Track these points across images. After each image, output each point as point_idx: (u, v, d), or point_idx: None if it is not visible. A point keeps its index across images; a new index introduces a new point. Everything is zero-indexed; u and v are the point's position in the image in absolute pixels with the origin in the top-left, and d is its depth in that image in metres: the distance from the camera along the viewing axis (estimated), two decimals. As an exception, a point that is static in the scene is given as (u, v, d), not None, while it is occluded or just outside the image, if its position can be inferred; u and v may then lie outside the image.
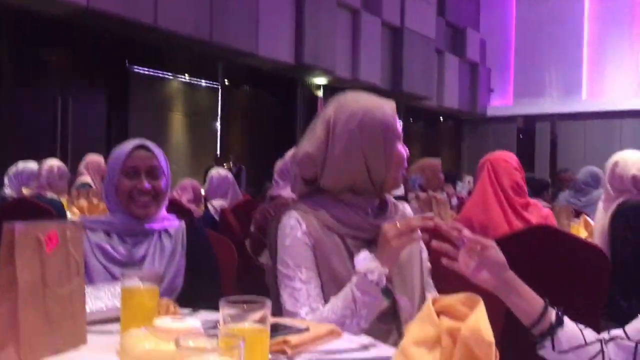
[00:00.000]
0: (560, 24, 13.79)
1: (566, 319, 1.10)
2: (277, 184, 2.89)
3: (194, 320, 0.97)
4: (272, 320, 0.94)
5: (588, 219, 3.66)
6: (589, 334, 1.10)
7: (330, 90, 10.75)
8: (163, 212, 1.66)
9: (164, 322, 0.96)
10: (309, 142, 1.40)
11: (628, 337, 1.08)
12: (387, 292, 1.27)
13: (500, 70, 15.21)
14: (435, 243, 1.16)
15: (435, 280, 1.51)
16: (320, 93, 10.57)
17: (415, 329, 0.90)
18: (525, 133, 14.87)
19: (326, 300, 1.32)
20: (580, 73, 14.06)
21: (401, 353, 0.90)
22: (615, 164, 2.58)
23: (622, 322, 2.68)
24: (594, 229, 2.82)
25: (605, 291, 2.22)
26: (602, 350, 1.09)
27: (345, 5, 10.27)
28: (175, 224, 1.67)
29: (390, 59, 11.48)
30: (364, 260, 1.27)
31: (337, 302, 1.28)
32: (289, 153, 2.91)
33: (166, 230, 1.64)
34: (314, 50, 9.37)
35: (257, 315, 0.86)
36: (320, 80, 10.49)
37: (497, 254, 1.11)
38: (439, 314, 0.89)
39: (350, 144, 1.35)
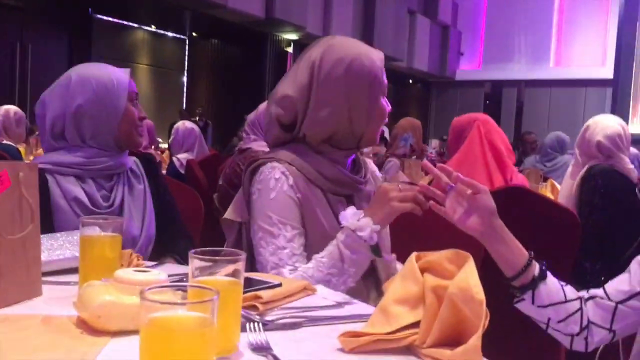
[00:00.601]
0: (532, -9, 13.78)
1: (549, 274, 1.07)
2: (248, 136, 2.81)
3: (160, 272, 0.90)
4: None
5: (555, 183, 3.70)
6: (569, 291, 1.08)
7: (301, 46, 10.55)
8: None
9: (126, 273, 0.89)
10: (291, 84, 1.31)
11: (608, 297, 1.07)
12: (377, 250, 1.22)
13: (470, 34, 15.17)
14: (422, 185, 1.10)
15: (414, 239, 1.47)
16: (290, 49, 10.37)
17: (397, 287, 0.85)
18: (492, 98, 14.95)
19: (310, 258, 1.25)
20: (549, 41, 14.12)
21: (381, 311, 0.85)
22: (586, 129, 2.57)
23: (584, 285, 2.72)
24: (560, 192, 2.82)
25: (574, 253, 2.24)
26: (580, 308, 1.07)
27: (319, -40, 10.03)
28: (132, 161, 1.56)
29: (362, 18, 11.30)
30: (352, 216, 1.21)
31: (323, 260, 1.22)
32: (262, 105, 2.82)
33: (131, 169, 1.54)
34: (285, 5, 9.13)
35: (230, 268, 0.79)
36: (291, 36, 10.28)
37: (489, 199, 1.06)
38: (422, 271, 0.85)
39: (336, 91, 1.26)
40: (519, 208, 2.05)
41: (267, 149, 2.88)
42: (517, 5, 14.00)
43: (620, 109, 12.83)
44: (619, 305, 1.05)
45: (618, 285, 1.07)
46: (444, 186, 1.08)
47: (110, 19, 8.66)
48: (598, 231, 2.41)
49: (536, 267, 1.06)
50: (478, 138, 2.47)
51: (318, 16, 10.13)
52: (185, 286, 0.64)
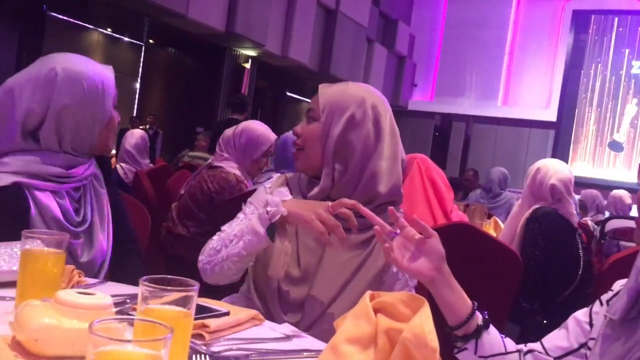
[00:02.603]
0: (486, 30, 14.23)
1: (491, 325, 1.08)
2: (222, 154, 2.70)
3: (104, 295, 0.87)
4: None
5: (498, 220, 3.79)
6: (509, 342, 1.10)
7: (259, 63, 10.54)
8: None
9: (69, 295, 0.84)
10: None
11: (547, 352, 1.08)
12: (272, 232, 1.25)
13: (425, 67, 15.52)
14: (377, 229, 1.10)
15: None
16: (247, 65, 10.33)
17: (349, 325, 0.84)
18: (442, 130, 15.29)
19: None
20: (499, 79, 14.60)
21: (331, 349, 0.84)
22: (538, 171, 2.65)
23: (521, 324, 2.76)
24: (502, 232, 2.89)
25: (514, 292, 2.29)
26: None
27: (282, -19, 10.09)
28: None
29: (321, 40, 11.40)
30: (280, 194, 1.29)
31: (235, 226, 1.35)
32: (241, 125, 2.75)
33: (95, 175, 1.45)
34: (246, 21, 9.12)
35: (181, 296, 0.77)
36: (249, 52, 10.26)
37: (438, 244, 1.06)
38: (376, 311, 0.84)
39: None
40: (463, 245, 2.09)
41: (238, 172, 2.83)
42: (471, 43, 14.44)
43: (561, 151, 13.37)
44: None
45: (556, 341, 1.08)
46: (388, 233, 1.07)
47: (65, 17, 8.44)
48: (538, 272, 2.48)
49: (479, 317, 1.07)
50: (419, 176, 2.56)
51: (278, 36, 10.17)
52: (136, 319, 0.61)
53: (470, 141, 14.96)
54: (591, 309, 1.06)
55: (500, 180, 5.17)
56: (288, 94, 13.04)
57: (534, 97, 14.17)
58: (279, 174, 1.50)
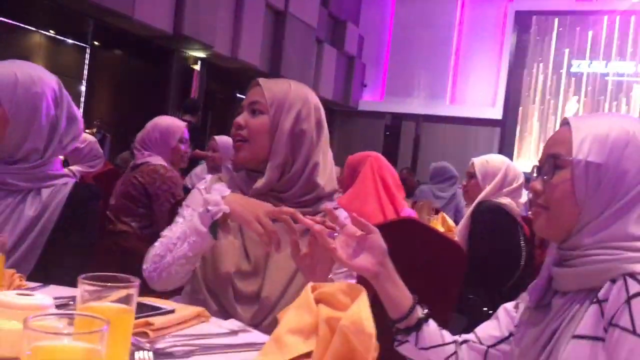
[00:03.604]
0: (433, 30, 14.50)
1: (430, 319, 1.12)
2: (141, 152, 2.90)
3: (44, 296, 0.86)
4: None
5: (446, 216, 3.87)
6: (446, 334, 1.14)
7: (208, 64, 10.45)
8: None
9: (8, 296, 0.84)
10: None
11: (480, 341, 1.14)
12: (215, 230, 1.27)
13: (374, 67, 15.69)
14: (316, 228, 1.12)
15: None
16: (197, 67, 10.23)
17: (292, 316, 0.86)
18: (392, 130, 15.49)
19: None
20: (446, 79, 14.89)
21: (275, 340, 0.85)
22: (509, 168, 2.72)
23: (468, 315, 2.85)
24: (460, 224, 2.96)
25: (460, 285, 2.35)
26: (455, 352, 1.13)
27: (230, -18, 10.03)
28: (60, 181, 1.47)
29: (270, 42, 11.39)
30: (217, 191, 1.31)
31: (176, 229, 1.34)
32: (150, 124, 2.95)
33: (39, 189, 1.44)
34: (194, 23, 9.02)
35: (122, 293, 0.77)
36: (198, 54, 10.15)
37: (380, 239, 1.09)
38: (317, 301, 0.86)
39: None
40: (409, 240, 2.14)
41: (165, 163, 2.93)
42: (418, 43, 14.68)
43: (507, 148, 13.75)
44: (490, 349, 1.12)
45: (489, 330, 1.14)
46: (328, 233, 1.10)
47: (5, 19, 8.17)
48: (482, 264, 2.56)
49: (420, 310, 1.10)
50: (370, 174, 2.61)
51: (227, 37, 10.10)
52: (72, 314, 0.61)
53: (421, 140, 15.21)
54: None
55: (447, 177, 5.25)
56: (239, 95, 12.98)
57: (480, 95, 14.51)
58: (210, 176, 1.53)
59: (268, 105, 1.40)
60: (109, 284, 0.75)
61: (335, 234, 1.09)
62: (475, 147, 14.03)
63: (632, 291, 0.88)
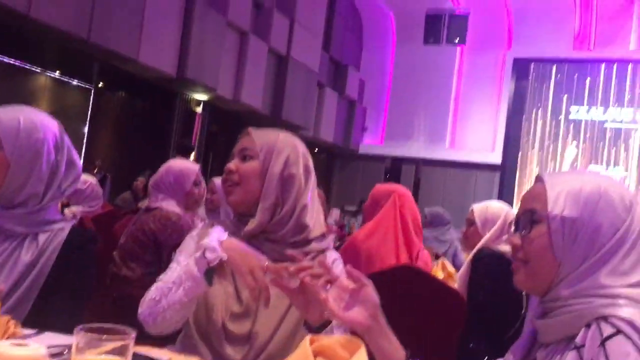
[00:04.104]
0: (432, 76, 14.72)
1: None
2: (156, 196, 2.85)
3: (39, 346, 0.85)
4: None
5: (446, 262, 3.85)
6: None
7: (211, 107, 10.57)
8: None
9: (2, 347, 0.83)
10: None
11: None
12: (210, 276, 1.29)
13: (375, 111, 15.87)
14: (307, 280, 1.11)
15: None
16: (199, 109, 10.34)
17: (290, 369, 0.85)
18: (392, 173, 15.56)
19: None
20: (446, 124, 15.04)
21: (272, 394, 0.84)
22: (508, 214, 2.71)
23: (469, 362, 2.78)
24: (461, 272, 2.93)
25: (459, 332, 2.33)
26: None
27: (235, 26, 10.21)
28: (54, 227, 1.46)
29: (273, 85, 11.55)
30: (215, 234, 1.32)
31: (171, 274, 1.35)
32: (164, 167, 2.91)
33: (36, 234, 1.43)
34: (197, 66, 9.17)
35: (117, 345, 0.76)
36: (201, 97, 10.28)
37: (373, 292, 1.08)
38: (316, 354, 0.85)
39: None
40: (409, 287, 2.13)
41: (177, 209, 2.92)
42: (419, 87, 14.88)
43: (506, 193, 13.77)
44: None
45: None
46: (324, 284, 1.09)
47: (10, 60, 8.31)
48: (483, 312, 2.53)
49: None
50: (392, 211, 2.56)
51: (230, 80, 10.24)
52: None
53: (420, 183, 15.25)
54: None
55: (443, 218, 5.24)
56: (240, 137, 13.06)
57: (479, 140, 14.63)
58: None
59: (258, 151, 1.47)
60: (105, 335, 0.75)
61: (327, 287, 1.08)
62: (475, 191, 14.06)
63: (605, 334, 0.94)
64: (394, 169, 15.51)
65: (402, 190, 2.69)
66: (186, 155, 5.51)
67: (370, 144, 15.85)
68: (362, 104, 15.73)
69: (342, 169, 16.29)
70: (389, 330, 1.08)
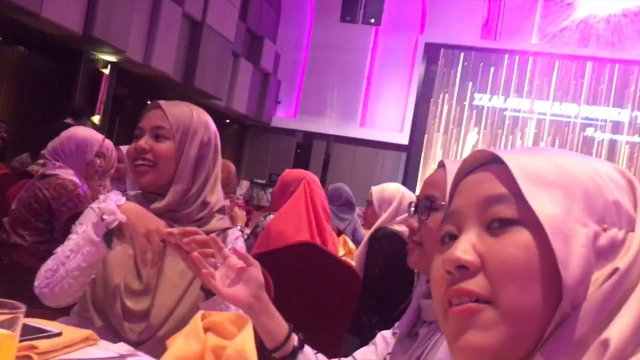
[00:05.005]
0: (348, 54, 14.87)
1: (305, 345, 1.17)
2: (52, 162, 2.73)
3: None
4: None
5: (347, 238, 3.98)
6: (321, 358, 1.20)
7: (119, 69, 10.16)
8: None
9: None
10: None
11: None
12: (109, 240, 1.29)
13: (289, 85, 15.84)
14: (196, 256, 1.15)
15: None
16: (106, 70, 9.91)
17: (180, 344, 0.89)
18: (303, 148, 15.67)
19: None
20: (358, 102, 15.29)
21: (161, 367, 0.88)
22: (403, 196, 2.83)
23: (361, 337, 2.96)
24: (358, 250, 3.05)
25: (354, 307, 2.45)
26: None
27: (148, -13, 9.84)
28: None
29: (186, 51, 11.23)
30: (114, 197, 1.33)
31: (68, 243, 1.34)
32: (65, 133, 2.80)
33: None
34: (105, 25, 8.76)
35: (5, 317, 0.77)
36: (109, 58, 9.85)
37: (258, 272, 1.13)
38: (206, 330, 0.90)
39: None
40: (307, 263, 2.21)
41: (75, 178, 2.84)
42: (333, 65, 14.99)
43: (411, 172, 14.29)
44: None
45: (367, 355, 1.23)
46: (213, 263, 1.13)
47: None
48: (377, 288, 2.67)
49: (295, 338, 1.15)
50: (303, 199, 2.62)
51: (140, 43, 9.86)
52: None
53: (330, 160, 15.48)
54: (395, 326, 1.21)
55: (349, 200, 5.39)
56: (150, 102, 12.67)
57: (389, 120, 15.00)
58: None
59: (173, 132, 1.45)
60: (-7, 309, 0.75)
61: (219, 264, 1.12)
62: (382, 169, 14.47)
63: None
64: (306, 144, 15.63)
65: (311, 176, 2.77)
66: (79, 120, 5.32)
67: (283, 117, 15.85)
68: (277, 76, 15.65)
69: (253, 141, 16.22)
70: (272, 308, 1.14)
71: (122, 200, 1.34)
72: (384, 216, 2.80)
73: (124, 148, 3.99)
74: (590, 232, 0.53)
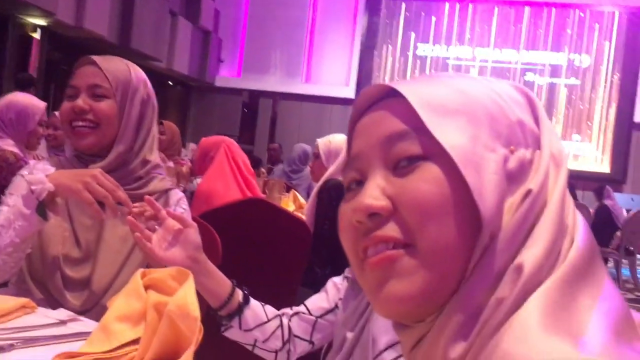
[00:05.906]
0: (288, 9, 14.62)
1: (251, 299, 1.16)
2: None
3: None
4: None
5: (297, 193, 3.98)
6: (270, 310, 1.20)
7: (50, 33, 9.69)
8: None
9: None
10: None
11: (310, 312, 1.21)
12: (43, 212, 1.22)
13: (231, 43, 15.50)
14: (130, 219, 1.11)
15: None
16: (36, 35, 9.43)
17: (121, 304, 0.86)
18: (250, 107, 15.47)
19: None
20: (301, 58, 15.12)
21: (102, 329, 0.85)
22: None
23: (314, 288, 3.00)
24: (308, 203, 3.07)
25: (306, 260, 2.46)
26: (280, 324, 1.19)
27: (74, -56, 9.31)
28: None
29: (120, 11, 10.78)
30: (41, 167, 1.28)
31: None
32: (3, 101, 2.69)
33: None
34: (31, -14, 8.30)
35: None
36: (38, 21, 9.36)
37: (195, 234, 1.11)
38: (147, 287, 0.87)
39: None
40: (257, 218, 2.19)
41: (16, 149, 2.71)
42: (274, 21, 14.73)
43: (359, 126, 14.34)
44: (318, 319, 1.20)
45: (318, 302, 1.23)
46: (151, 227, 1.10)
47: None
48: (328, 240, 2.68)
49: (240, 295, 1.14)
50: (226, 159, 2.69)
51: (71, 4, 9.41)
52: None
53: (277, 117, 15.36)
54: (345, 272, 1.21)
55: (300, 157, 5.41)
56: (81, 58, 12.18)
57: (334, 75, 14.93)
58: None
59: (113, 90, 1.39)
60: None
61: (156, 227, 1.09)
62: (330, 125, 14.45)
63: None
64: (252, 102, 15.43)
65: (230, 140, 2.91)
66: (27, 89, 5.07)
67: (227, 76, 15.55)
68: (218, 34, 15.27)
69: (198, 102, 15.90)
70: (211, 268, 1.12)
71: (51, 170, 1.27)
72: (331, 168, 2.78)
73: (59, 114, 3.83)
74: (499, 156, 0.50)
